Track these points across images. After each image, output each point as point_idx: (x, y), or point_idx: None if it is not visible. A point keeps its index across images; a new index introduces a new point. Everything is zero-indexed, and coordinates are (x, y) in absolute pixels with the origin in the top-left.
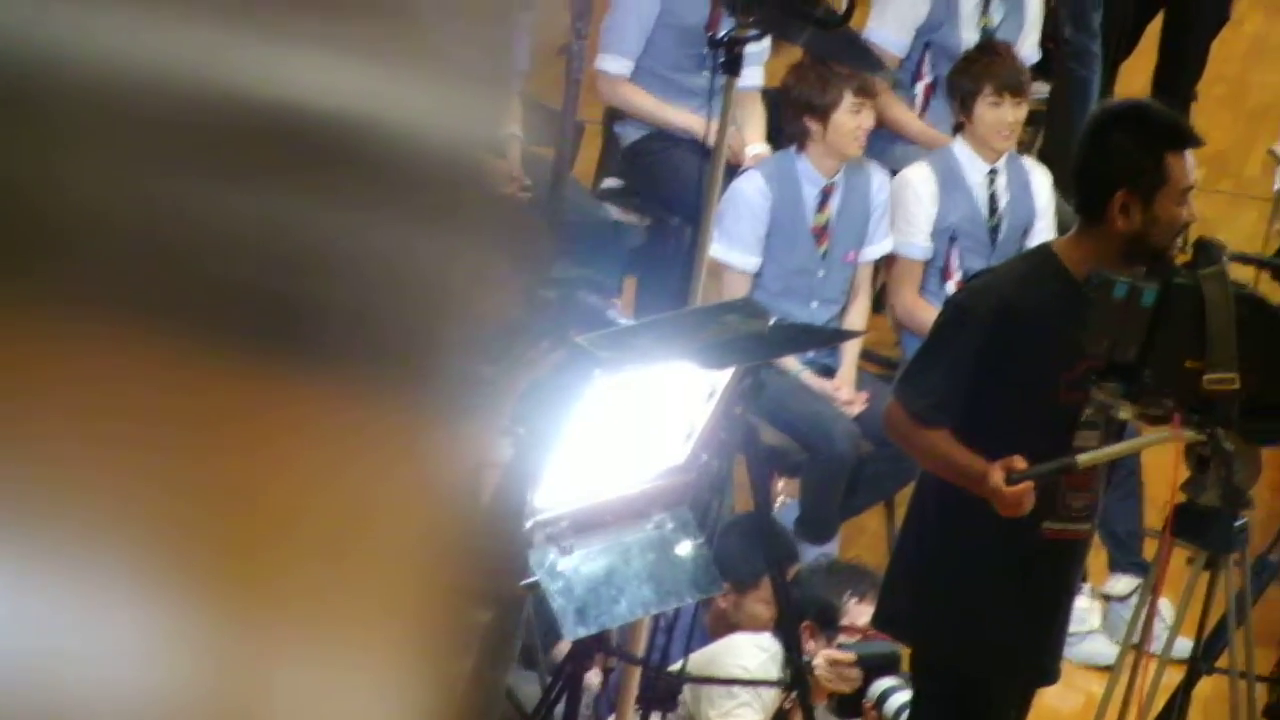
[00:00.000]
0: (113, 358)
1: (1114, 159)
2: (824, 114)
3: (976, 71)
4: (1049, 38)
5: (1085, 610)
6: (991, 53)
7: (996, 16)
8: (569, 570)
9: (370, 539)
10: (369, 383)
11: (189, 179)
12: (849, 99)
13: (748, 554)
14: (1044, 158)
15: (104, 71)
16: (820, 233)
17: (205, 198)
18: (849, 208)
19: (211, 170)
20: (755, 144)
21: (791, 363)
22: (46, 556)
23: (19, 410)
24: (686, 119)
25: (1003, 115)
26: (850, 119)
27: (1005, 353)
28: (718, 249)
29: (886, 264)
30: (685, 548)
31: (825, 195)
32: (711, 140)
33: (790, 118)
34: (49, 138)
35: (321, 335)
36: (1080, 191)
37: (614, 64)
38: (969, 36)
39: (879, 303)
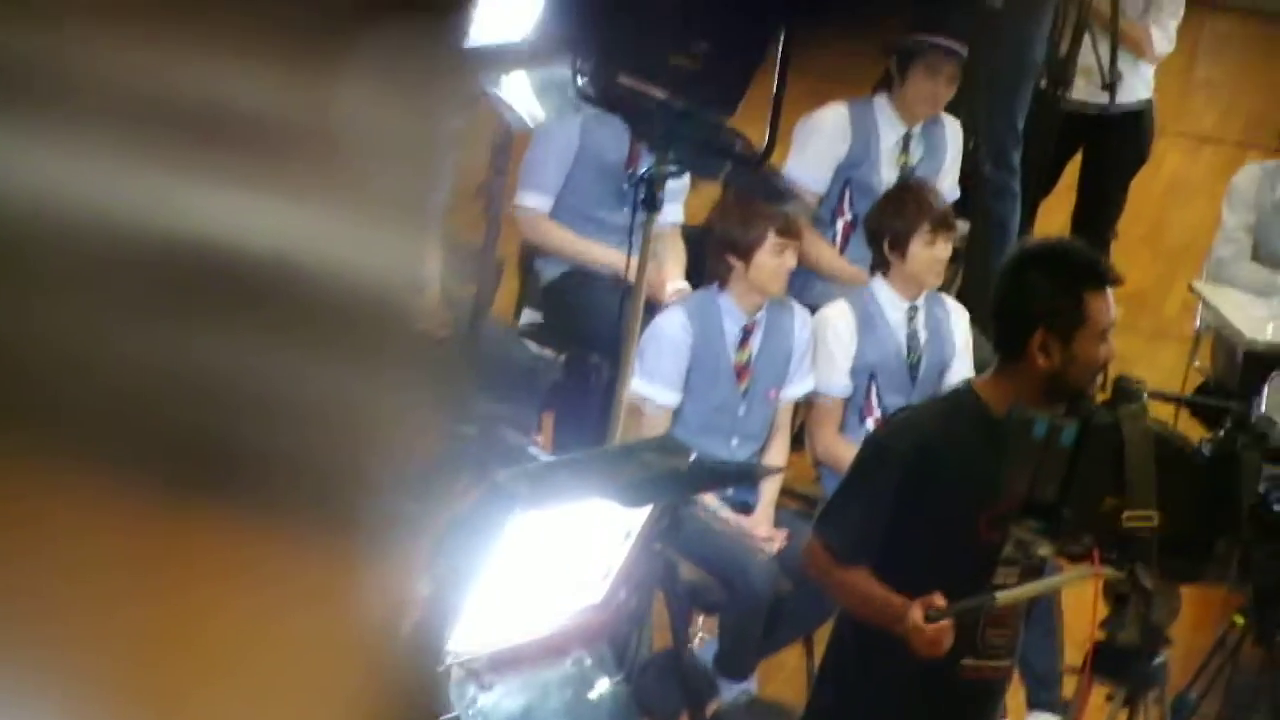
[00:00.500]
0: (42, 500)
1: (1032, 298)
2: (747, 252)
3: (910, 210)
4: (967, 175)
5: None
6: (920, 190)
7: (916, 155)
8: (488, 706)
9: (295, 678)
10: (294, 522)
11: (124, 320)
12: (772, 239)
13: (666, 691)
14: (962, 296)
15: (44, 217)
16: (742, 370)
17: (142, 340)
18: (770, 345)
19: (142, 311)
20: (675, 280)
21: (710, 499)
22: None
23: None
24: (606, 254)
25: (936, 253)
26: (773, 259)
27: (924, 490)
28: (638, 385)
29: (806, 401)
30: (603, 685)
31: (747, 333)
32: (631, 276)
33: (713, 255)
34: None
35: (247, 474)
36: (999, 330)
37: (533, 200)
38: (888, 175)
39: (799, 439)
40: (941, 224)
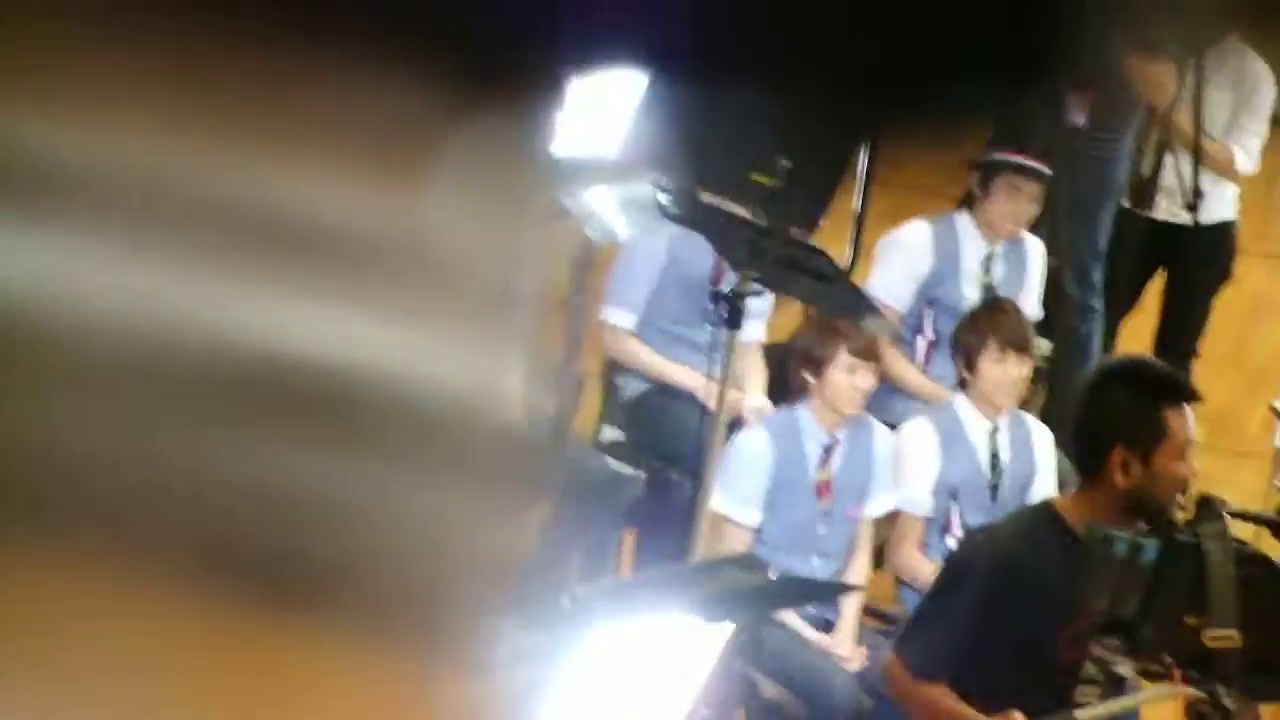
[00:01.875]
0: (123, 610)
1: (1112, 415)
2: (819, 368)
3: (981, 328)
4: (1051, 295)
5: None
6: (996, 309)
7: (998, 274)
8: None
9: None
10: (371, 638)
11: (198, 432)
12: (844, 356)
13: None
14: (1046, 415)
15: (112, 324)
16: (823, 488)
17: (214, 451)
18: (852, 464)
19: (224, 423)
20: (756, 397)
21: (791, 616)
22: None
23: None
24: (686, 375)
25: (1006, 372)
26: (845, 377)
27: (1004, 608)
28: (719, 503)
29: (888, 519)
30: None
31: (828, 451)
32: (712, 395)
33: (792, 370)
34: (54, 386)
35: (324, 588)
36: (1079, 447)
37: (619, 317)
38: (970, 293)
39: (879, 557)
40: (1012, 342)
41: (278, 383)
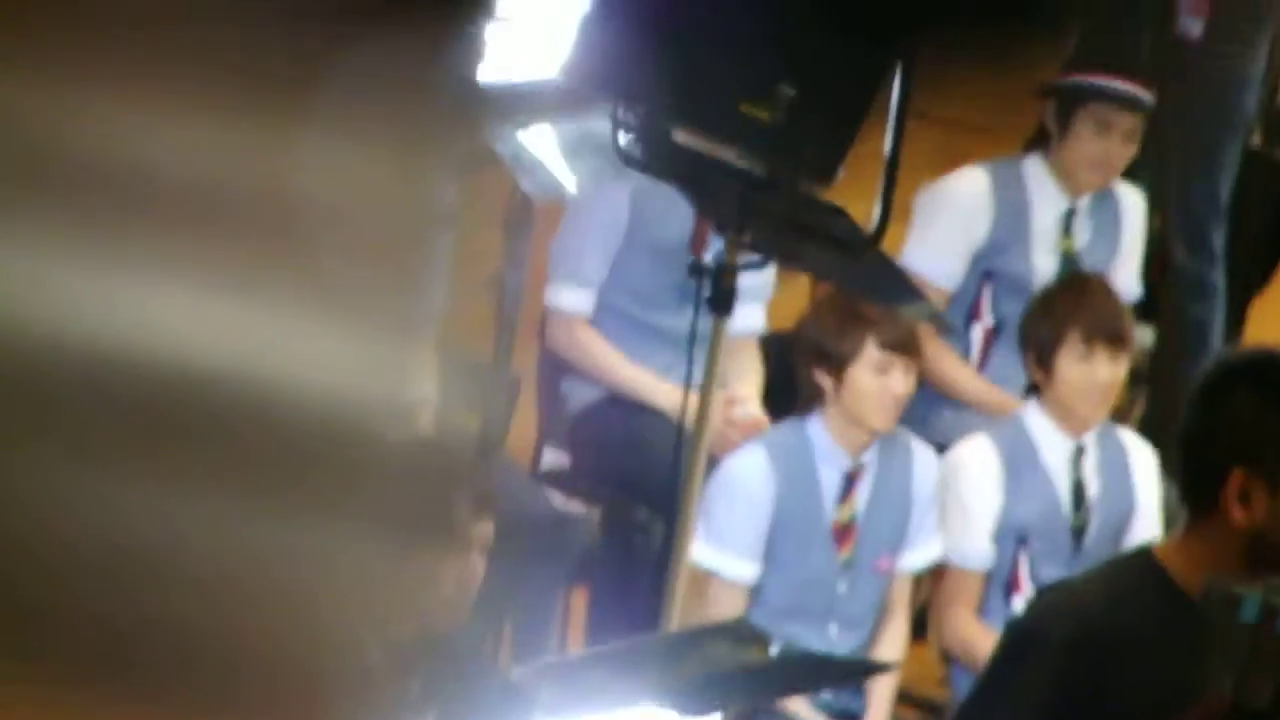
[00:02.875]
0: None
1: (1233, 428)
2: (838, 368)
3: (1059, 313)
4: (1154, 266)
5: None
6: (1080, 287)
7: (1081, 237)
8: None
9: None
10: None
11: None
12: (872, 351)
13: None
14: (1148, 430)
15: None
16: (843, 533)
17: (15, 480)
18: (882, 498)
19: (34, 438)
20: (749, 407)
21: (802, 707)
22: None
23: None
24: (659, 391)
25: (1094, 373)
26: (872, 379)
27: (1089, 696)
28: (702, 551)
29: (933, 575)
30: None
31: (850, 481)
32: (691, 406)
33: (802, 372)
34: None
35: (174, 668)
36: (1187, 471)
37: (569, 298)
38: (1044, 264)
39: (920, 626)
40: (1101, 333)
41: (109, 384)
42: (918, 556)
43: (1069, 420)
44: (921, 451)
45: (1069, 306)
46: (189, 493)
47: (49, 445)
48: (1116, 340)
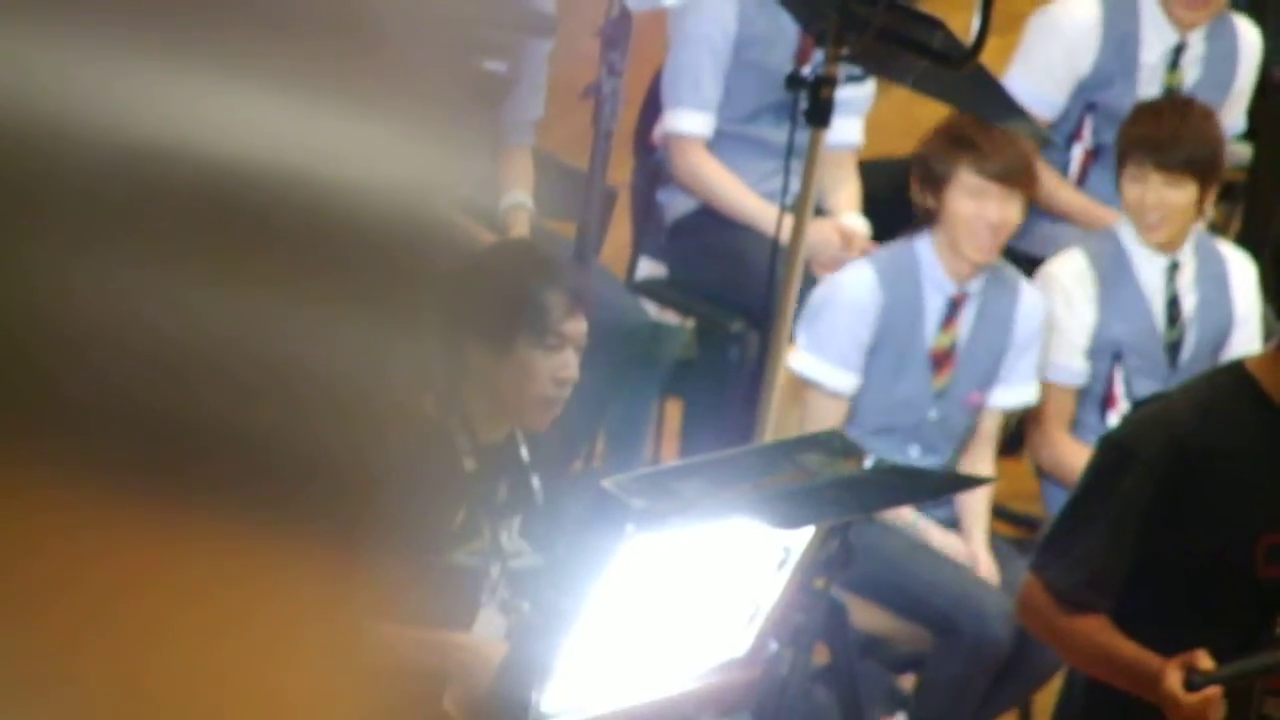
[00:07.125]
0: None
1: None
2: (937, 189)
3: (1134, 133)
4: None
5: None
6: (1159, 110)
7: (1191, 74)
8: None
9: (301, 703)
10: (287, 526)
11: (59, 249)
12: (966, 176)
13: None
14: (1246, 242)
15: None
16: (941, 359)
17: (81, 279)
18: (983, 332)
19: (89, 238)
20: (850, 218)
21: (907, 514)
22: None
23: None
24: (768, 213)
25: (1144, 195)
26: (967, 203)
27: (1183, 510)
28: (804, 361)
29: None
30: None
31: (954, 307)
32: (786, 230)
33: (913, 191)
34: None
35: (233, 465)
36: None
37: (690, 121)
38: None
39: (1015, 441)
40: (1157, 159)
41: (163, 183)
42: (1011, 395)
43: (1150, 235)
44: (1029, 292)
45: (1143, 127)
46: (272, 297)
47: (109, 245)
48: (1186, 170)
